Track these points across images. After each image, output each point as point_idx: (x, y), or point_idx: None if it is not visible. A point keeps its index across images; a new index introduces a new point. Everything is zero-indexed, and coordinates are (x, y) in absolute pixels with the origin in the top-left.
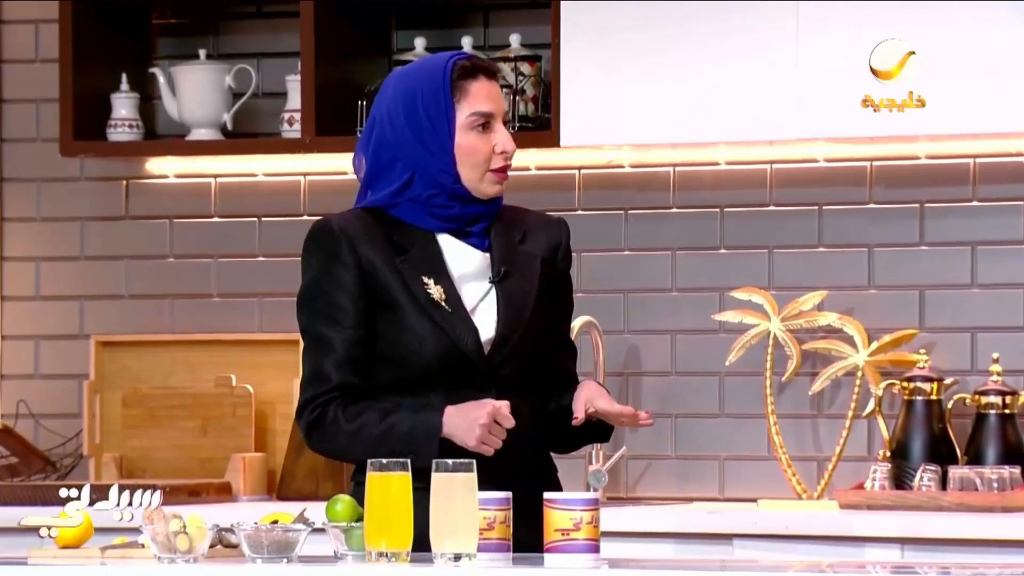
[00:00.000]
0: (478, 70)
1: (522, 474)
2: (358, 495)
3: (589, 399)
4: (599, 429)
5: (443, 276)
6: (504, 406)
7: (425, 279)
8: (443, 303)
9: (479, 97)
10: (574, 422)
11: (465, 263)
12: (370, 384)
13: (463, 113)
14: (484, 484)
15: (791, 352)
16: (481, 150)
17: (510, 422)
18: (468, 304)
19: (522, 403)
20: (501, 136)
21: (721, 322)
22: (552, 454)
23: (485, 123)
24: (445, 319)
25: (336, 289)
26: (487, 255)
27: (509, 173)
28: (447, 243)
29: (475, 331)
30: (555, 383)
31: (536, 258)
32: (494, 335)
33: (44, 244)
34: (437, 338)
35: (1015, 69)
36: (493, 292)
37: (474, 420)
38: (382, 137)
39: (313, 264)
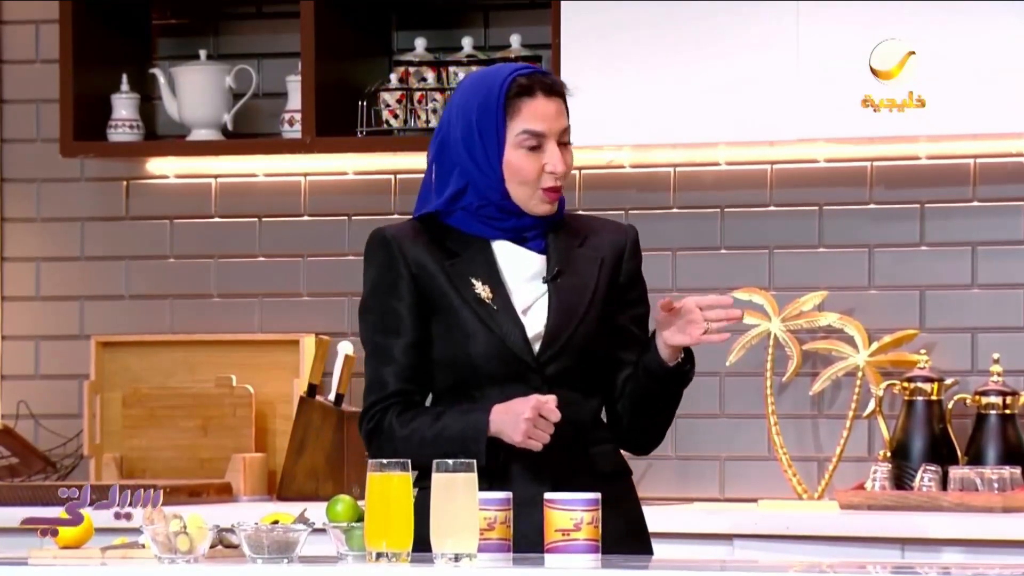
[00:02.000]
0: (536, 87)
1: (587, 468)
2: (422, 500)
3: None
4: (678, 375)
5: (494, 278)
6: (550, 400)
7: (473, 280)
8: (490, 302)
9: (532, 116)
10: (660, 304)
11: (522, 266)
12: (429, 389)
13: (513, 131)
14: (540, 483)
15: (791, 352)
16: (529, 169)
17: (556, 415)
18: (523, 304)
19: (581, 399)
20: (552, 156)
21: None
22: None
23: (536, 141)
24: (492, 317)
25: (391, 298)
26: (544, 257)
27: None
28: (502, 248)
29: (522, 328)
30: (628, 381)
31: (596, 260)
32: (543, 332)
33: (44, 244)
34: (485, 336)
35: (1015, 69)
36: (547, 292)
37: (518, 415)
38: (445, 140)
39: (370, 274)
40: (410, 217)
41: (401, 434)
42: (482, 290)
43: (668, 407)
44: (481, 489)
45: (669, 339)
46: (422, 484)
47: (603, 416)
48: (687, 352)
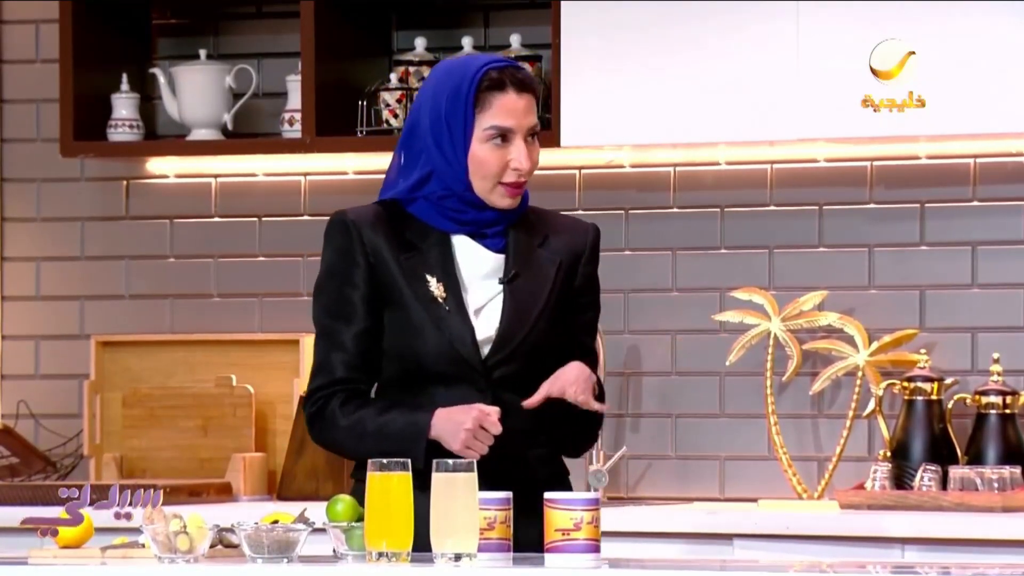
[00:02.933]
0: (507, 82)
1: (525, 475)
2: (358, 493)
3: (559, 386)
4: (588, 415)
5: (449, 275)
6: (493, 412)
7: (428, 276)
8: (442, 301)
9: (501, 111)
10: (523, 404)
11: (478, 264)
12: (376, 378)
13: (481, 125)
14: (484, 485)
15: (791, 352)
16: (493, 163)
17: (497, 428)
18: (476, 304)
19: (519, 405)
20: (518, 152)
21: (721, 322)
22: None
23: (504, 136)
24: (443, 318)
25: (346, 283)
26: (502, 256)
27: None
28: (461, 243)
29: (472, 330)
30: None
31: (554, 262)
32: (494, 335)
33: (44, 244)
34: (434, 335)
35: (1015, 69)
36: (502, 293)
37: (459, 424)
38: (413, 128)
39: (327, 256)
40: (374, 202)
41: (343, 423)
42: (436, 288)
43: (592, 429)
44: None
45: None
46: (359, 476)
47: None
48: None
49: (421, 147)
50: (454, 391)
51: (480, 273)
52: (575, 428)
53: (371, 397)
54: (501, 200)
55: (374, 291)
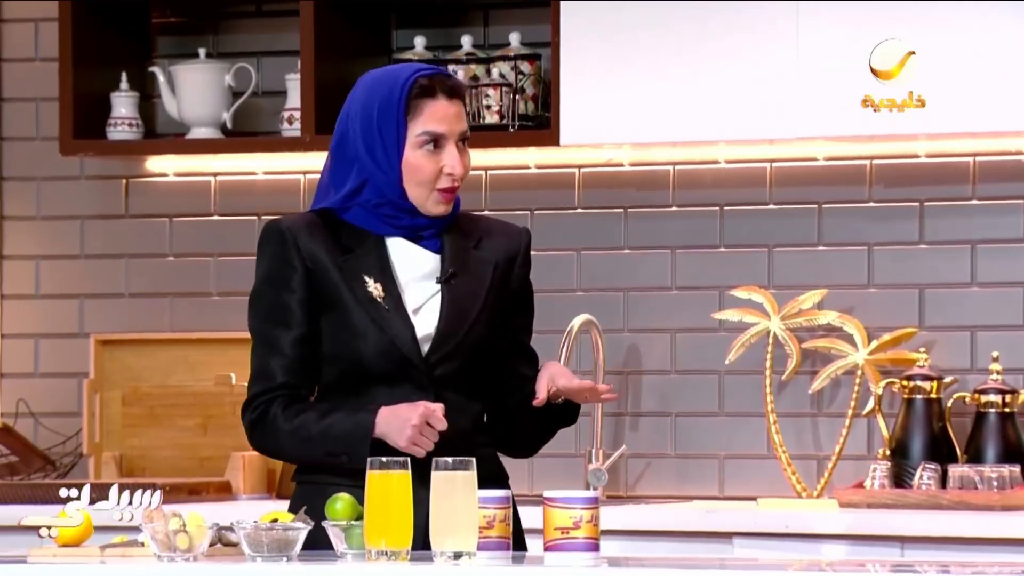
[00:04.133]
0: (437, 88)
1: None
2: (301, 495)
3: (551, 378)
4: (564, 413)
5: (387, 276)
6: (438, 408)
7: (366, 278)
8: (382, 300)
9: (433, 117)
10: (535, 403)
11: (415, 265)
12: (316, 383)
13: (414, 131)
14: (419, 484)
15: (791, 351)
16: (427, 169)
17: (442, 424)
18: (414, 304)
19: (465, 403)
20: (450, 157)
21: (721, 321)
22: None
23: (436, 142)
24: (383, 316)
25: (283, 290)
26: (438, 257)
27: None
28: (397, 245)
29: (412, 328)
30: (512, 387)
31: (490, 263)
32: (433, 333)
33: (44, 243)
34: (375, 335)
35: (1014, 68)
36: (440, 293)
37: (405, 421)
38: (343, 137)
39: (263, 264)
40: (307, 211)
41: (286, 427)
42: (374, 288)
43: (550, 432)
44: (351, 489)
45: (572, 397)
46: (300, 479)
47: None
48: None
49: (353, 156)
50: (396, 391)
51: (417, 274)
52: (547, 426)
53: (311, 401)
54: (435, 207)
55: (311, 296)
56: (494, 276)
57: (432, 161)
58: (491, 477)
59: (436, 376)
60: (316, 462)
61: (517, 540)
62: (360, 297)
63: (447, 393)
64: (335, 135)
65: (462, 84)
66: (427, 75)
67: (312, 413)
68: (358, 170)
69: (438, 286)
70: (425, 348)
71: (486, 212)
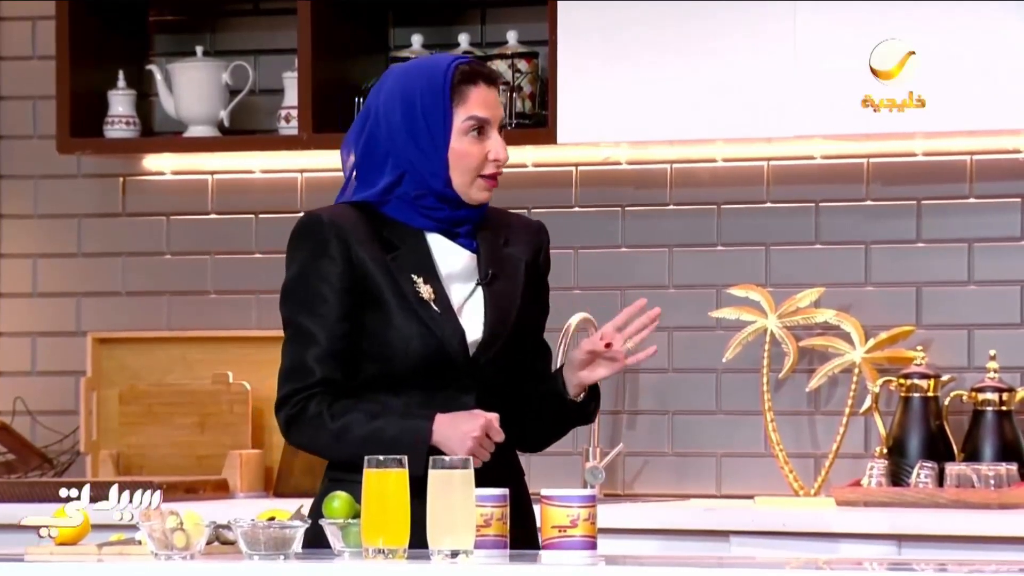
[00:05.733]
0: (479, 76)
1: (490, 473)
2: (331, 491)
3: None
4: (582, 410)
5: (432, 275)
6: (495, 419)
7: (415, 277)
8: (432, 303)
9: (477, 103)
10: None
11: (453, 263)
12: (352, 380)
13: (460, 117)
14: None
15: (788, 349)
16: (474, 155)
17: (501, 436)
18: (454, 304)
19: (502, 405)
20: (495, 143)
21: (718, 319)
22: (528, 453)
23: (481, 129)
24: (433, 319)
25: (322, 282)
26: (474, 256)
27: (500, 178)
28: (436, 242)
29: (462, 332)
30: (527, 381)
31: (521, 261)
32: (481, 337)
33: (41, 241)
34: (424, 337)
35: (1012, 66)
36: (479, 293)
37: (467, 433)
38: (375, 132)
39: (299, 257)
40: (338, 202)
41: (331, 426)
42: (424, 289)
43: (565, 429)
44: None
45: (587, 377)
46: (333, 476)
47: None
48: (592, 389)
49: (386, 151)
50: (438, 392)
51: (456, 272)
52: (563, 423)
53: (355, 400)
54: (479, 193)
55: (352, 290)
56: (525, 275)
57: (478, 147)
58: (514, 472)
59: (481, 379)
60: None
61: (530, 537)
62: (410, 296)
63: (489, 396)
64: (360, 137)
65: (498, 72)
66: (466, 63)
67: (359, 414)
68: (394, 163)
69: (476, 286)
70: (472, 351)
71: (492, 206)
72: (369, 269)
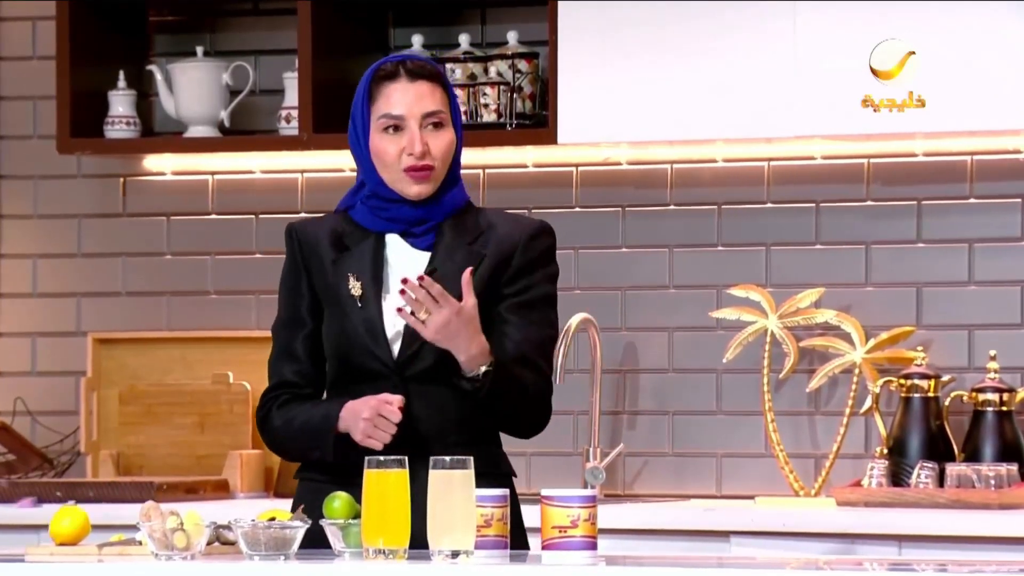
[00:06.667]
0: (400, 72)
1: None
2: (301, 493)
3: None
4: (485, 397)
5: (375, 275)
6: (395, 400)
7: (350, 276)
8: (358, 299)
9: (390, 100)
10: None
11: (407, 263)
12: (320, 381)
13: (374, 116)
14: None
15: (788, 349)
16: (390, 152)
17: (396, 416)
18: (400, 302)
19: (444, 401)
20: (408, 136)
21: (718, 319)
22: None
23: (395, 126)
24: (356, 314)
25: (290, 291)
26: (428, 255)
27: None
28: (392, 244)
29: (381, 326)
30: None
31: (477, 256)
32: (403, 331)
33: (41, 241)
34: (353, 333)
35: (1012, 67)
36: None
37: (358, 414)
38: (350, 139)
39: (283, 266)
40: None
41: (276, 423)
42: (354, 286)
43: (493, 412)
44: (344, 485)
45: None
46: (300, 476)
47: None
48: (499, 369)
49: (354, 156)
50: (376, 388)
51: (407, 271)
52: (500, 409)
53: (302, 399)
54: (409, 187)
55: (315, 296)
56: (477, 270)
57: (394, 143)
58: (496, 472)
59: (408, 375)
60: (304, 458)
61: (519, 538)
62: (343, 295)
63: (427, 388)
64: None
65: (430, 65)
66: (394, 60)
67: (296, 410)
68: (359, 168)
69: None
70: (396, 346)
71: (491, 208)
72: (322, 273)
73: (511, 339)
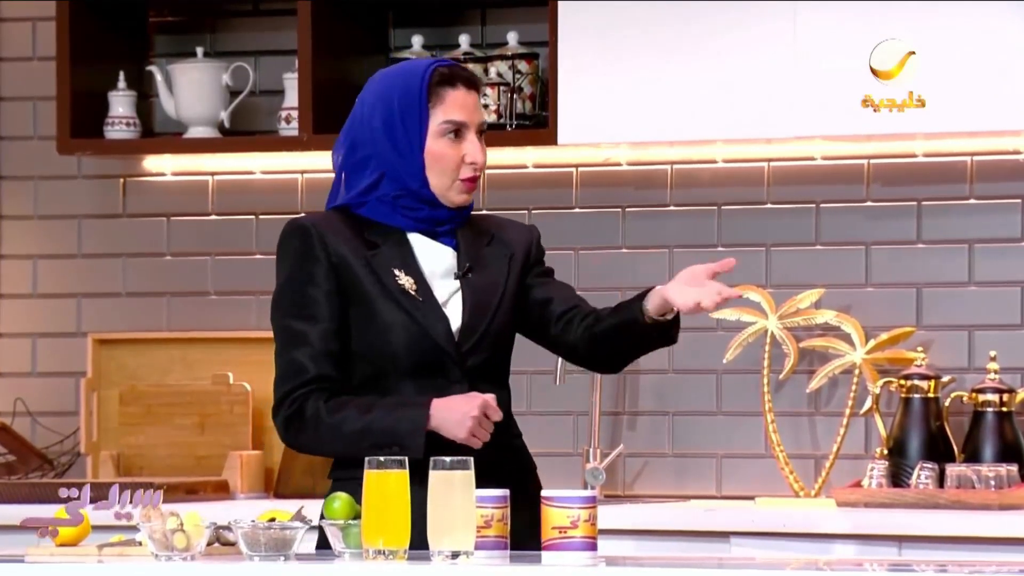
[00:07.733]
0: (456, 78)
1: (508, 463)
2: (338, 491)
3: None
4: (667, 331)
5: (414, 269)
6: (492, 399)
7: (396, 271)
8: (414, 293)
9: (454, 105)
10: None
11: (435, 260)
12: (346, 379)
13: (436, 119)
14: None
15: (788, 350)
16: (450, 157)
17: (498, 415)
18: (440, 298)
19: (498, 394)
20: (471, 146)
21: (718, 320)
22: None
23: (457, 131)
24: (416, 308)
25: (309, 285)
26: (455, 253)
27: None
28: (417, 241)
29: (446, 319)
30: (584, 319)
31: (506, 256)
32: (461, 324)
33: (41, 242)
34: (408, 327)
35: (1013, 68)
36: (460, 287)
37: (465, 413)
38: (359, 135)
39: (286, 263)
40: (324, 211)
41: (328, 421)
42: (406, 281)
43: (646, 350)
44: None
45: (677, 296)
46: (337, 476)
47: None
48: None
49: (368, 154)
50: (428, 383)
51: (437, 269)
52: (646, 344)
53: (353, 397)
54: (457, 196)
55: (338, 291)
56: (510, 267)
57: (454, 150)
58: (523, 468)
59: (468, 367)
60: (357, 456)
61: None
62: (392, 290)
63: (481, 385)
64: (345, 146)
65: (478, 77)
66: (446, 65)
67: (354, 408)
68: (375, 165)
69: (456, 282)
70: (457, 340)
71: (483, 212)
72: (351, 267)
73: (560, 291)
